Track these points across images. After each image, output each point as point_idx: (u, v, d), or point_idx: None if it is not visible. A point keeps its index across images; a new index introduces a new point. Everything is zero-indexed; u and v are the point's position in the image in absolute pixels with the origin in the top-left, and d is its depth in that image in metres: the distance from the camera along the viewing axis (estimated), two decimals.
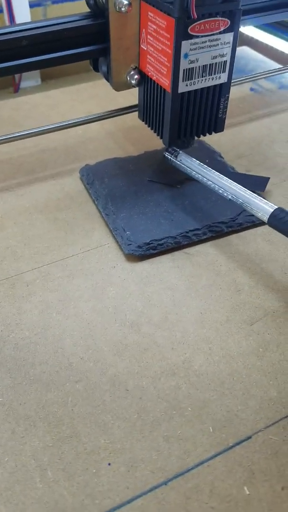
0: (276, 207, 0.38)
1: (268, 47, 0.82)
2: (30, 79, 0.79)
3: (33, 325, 0.38)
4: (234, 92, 0.44)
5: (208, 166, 0.52)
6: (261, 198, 0.40)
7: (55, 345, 0.36)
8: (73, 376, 0.34)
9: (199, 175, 0.44)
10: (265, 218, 0.38)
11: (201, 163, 0.44)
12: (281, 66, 0.65)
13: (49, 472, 0.30)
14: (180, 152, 0.46)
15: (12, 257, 0.43)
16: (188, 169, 0.45)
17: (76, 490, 0.29)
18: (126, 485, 0.29)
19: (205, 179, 0.43)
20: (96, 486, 0.29)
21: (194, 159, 0.45)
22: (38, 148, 0.57)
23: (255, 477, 0.29)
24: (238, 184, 0.49)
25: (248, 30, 0.85)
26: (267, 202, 0.39)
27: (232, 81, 0.44)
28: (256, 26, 0.85)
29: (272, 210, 0.38)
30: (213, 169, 0.51)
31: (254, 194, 0.40)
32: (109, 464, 0.30)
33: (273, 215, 0.38)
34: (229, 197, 0.41)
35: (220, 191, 0.42)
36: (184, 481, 0.29)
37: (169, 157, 0.46)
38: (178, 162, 0.46)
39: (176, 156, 0.46)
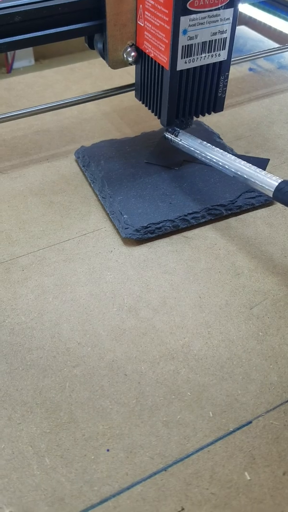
0: (281, 180, 0.37)
1: (266, 26, 0.80)
2: (23, 59, 0.77)
3: (29, 310, 0.37)
4: (233, 72, 0.43)
5: None
6: (265, 172, 0.39)
7: (52, 330, 0.35)
8: (70, 361, 0.34)
9: (201, 154, 0.43)
10: (270, 193, 0.37)
11: (202, 141, 0.43)
12: (280, 46, 0.64)
13: (47, 459, 0.29)
14: (180, 131, 0.45)
15: (7, 241, 0.42)
16: (190, 147, 0.44)
17: (75, 476, 0.28)
18: (125, 471, 0.29)
19: (208, 157, 0.42)
20: (94, 473, 0.29)
21: (195, 137, 0.44)
22: (32, 129, 0.55)
23: (256, 462, 0.29)
24: None
25: (246, 9, 0.83)
26: (272, 175, 0.38)
27: (231, 60, 0.43)
28: (254, 5, 0.83)
29: (277, 184, 0.37)
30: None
31: (258, 168, 0.39)
32: (108, 450, 0.30)
33: (278, 189, 0.37)
34: (233, 174, 0.40)
35: (224, 168, 0.41)
36: (184, 467, 0.29)
37: (169, 137, 0.45)
38: (179, 141, 0.44)
39: (176, 135, 0.45)
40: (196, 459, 0.29)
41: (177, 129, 0.45)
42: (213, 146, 0.43)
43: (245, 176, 0.39)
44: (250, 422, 0.31)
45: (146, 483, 0.28)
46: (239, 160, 0.40)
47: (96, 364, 0.34)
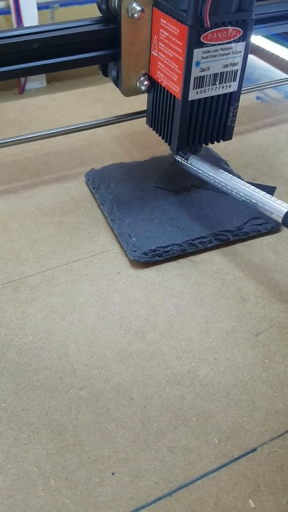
0: None
1: (274, 56, 0.82)
2: (36, 81, 0.79)
3: (36, 330, 0.37)
4: (241, 100, 0.44)
5: None
6: (274, 198, 0.39)
7: (59, 351, 0.36)
8: (77, 383, 0.34)
9: (210, 177, 0.43)
10: (279, 218, 0.38)
11: (212, 165, 0.44)
12: None
13: (52, 481, 0.29)
14: (191, 155, 0.46)
15: (16, 260, 0.43)
16: (199, 171, 0.45)
17: (79, 499, 0.28)
18: (130, 495, 0.29)
19: (217, 180, 0.43)
20: (99, 496, 0.29)
21: (205, 161, 0.45)
22: (44, 151, 0.57)
23: (260, 490, 0.29)
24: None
25: (254, 38, 0.85)
26: (281, 201, 0.39)
27: None
28: (263, 35, 0.85)
29: (286, 210, 0.38)
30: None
31: (267, 194, 0.40)
32: (113, 473, 0.30)
33: (287, 215, 0.38)
34: (242, 198, 0.41)
35: (233, 192, 0.42)
36: (189, 493, 0.29)
37: (180, 160, 0.46)
38: (189, 165, 0.45)
39: (186, 159, 0.45)
40: (201, 485, 0.29)
41: (187, 152, 0.46)
42: (223, 171, 0.44)
43: (254, 201, 0.40)
44: (255, 450, 0.31)
45: (150, 507, 0.28)
46: (248, 185, 0.41)
47: (103, 387, 0.34)
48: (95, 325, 0.38)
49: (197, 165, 0.45)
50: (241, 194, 0.41)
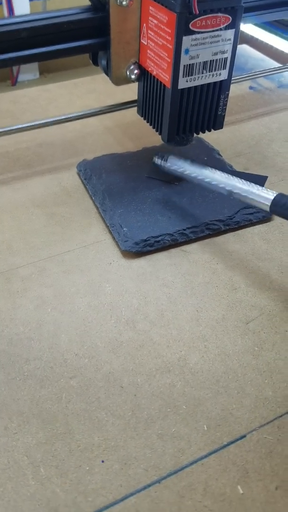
0: (276, 193, 0.38)
1: (267, 46, 0.82)
2: (28, 72, 0.78)
3: (27, 321, 0.37)
4: (233, 90, 0.44)
5: (206, 163, 0.51)
6: (260, 187, 0.39)
7: (50, 341, 0.36)
8: (67, 372, 0.34)
9: (193, 174, 0.42)
10: (267, 207, 0.38)
11: (193, 161, 0.43)
12: (281, 65, 0.65)
13: (42, 469, 0.29)
14: (169, 155, 0.44)
15: (8, 251, 0.43)
16: (180, 169, 0.43)
17: (69, 487, 0.29)
18: (120, 483, 0.29)
19: (199, 177, 0.42)
20: (89, 484, 0.29)
21: (184, 159, 0.43)
22: (35, 142, 0.56)
23: (249, 476, 0.29)
24: None
25: (248, 28, 0.84)
26: (267, 190, 0.38)
27: (232, 78, 0.44)
28: (256, 25, 0.85)
29: (272, 197, 0.37)
30: (211, 166, 0.50)
31: (252, 184, 0.39)
32: (103, 461, 0.30)
33: (274, 203, 0.37)
34: (227, 191, 0.40)
35: (218, 187, 0.41)
36: (178, 480, 0.29)
37: (159, 163, 0.45)
38: (169, 165, 0.44)
39: (166, 160, 0.44)
40: (190, 472, 0.29)
41: (164, 153, 0.44)
42: (204, 165, 0.42)
43: (240, 192, 0.40)
44: (244, 436, 0.31)
45: (140, 495, 0.28)
46: (233, 177, 0.40)
47: (93, 376, 0.34)
48: (86, 315, 0.38)
49: (177, 164, 0.43)
50: (226, 188, 0.40)
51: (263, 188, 0.39)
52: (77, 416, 0.32)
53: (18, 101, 0.64)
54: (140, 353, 0.35)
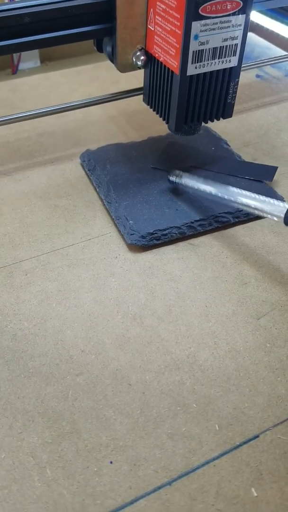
0: None
1: (273, 33, 0.80)
2: (29, 60, 0.76)
3: (32, 316, 0.36)
4: (240, 78, 0.42)
5: (214, 154, 0.50)
6: (272, 200, 0.38)
7: (55, 337, 0.35)
8: (73, 369, 0.33)
9: (207, 191, 0.42)
10: (281, 219, 0.37)
11: (206, 179, 0.43)
12: None
13: (48, 470, 0.28)
14: (183, 173, 0.44)
15: (10, 245, 0.42)
16: (195, 186, 0.43)
17: (76, 489, 0.28)
18: (129, 484, 0.28)
19: (213, 193, 0.42)
20: (97, 486, 0.28)
21: (197, 176, 0.44)
22: (37, 131, 0.55)
23: (263, 478, 0.28)
24: (246, 173, 0.47)
25: (254, 16, 0.82)
26: (279, 202, 0.38)
27: None
28: (261, 12, 0.83)
29: (285, 210, 0.37)
30: (219, 157, 0.49)
31: (264, 197, 0.39)
32: (111, 462, 0.29)
33: None
34: (240, 206, 0.40)
35: (231, 201, 0.41)
36: (189, 482, 0.28)
37: (174, 180, 0.45)
38: (183, 182, 0.44)
39: (180, 178, 0.44)
40: (202, 474, 0.28)
41: (179, 171, 0.45)
42: (216, 182, 0.42)
43: (252, 207, 0.39)
44: (257, 436, 0.30)
45: (150, 497, 0.27)
46: (244, 192, 0.40)
47: (100, 373, 0.33)
48: (92, 310, 0.37)
49: (190, 183, 0.44)
50: (239, 203, 0.40)
51: (275, 200, 0.38)
52: (84, 415, 0.31)
53: (18, 90, 0.62)
54: (148, 349, 0.34)
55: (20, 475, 0.28)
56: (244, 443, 0.30)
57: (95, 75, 0.66)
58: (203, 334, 0.35)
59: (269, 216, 0.39)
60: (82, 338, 0.35)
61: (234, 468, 0.29)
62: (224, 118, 0.45)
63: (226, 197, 0.41)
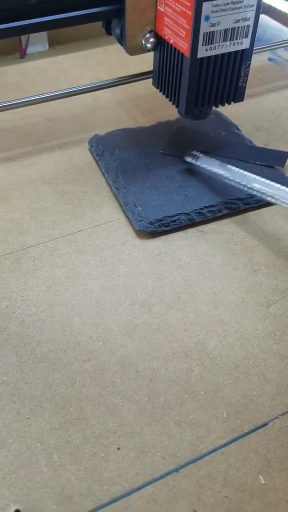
0: None
1: (286, 15, 0.78)
2: (37, 44, 0.76)
3: (39, 302, 0.36)
4: (252, 61, 0.41)
5: (224, 139, 0.49)
6: (284, 186, 0.38)
7: (63, 323, 0.35)
8: (81, 356, 0.33)
9: (224, 175, 0.42)
10: None
11: (222, 163, 0.43)
12: None
13: (56, 456, 0.28)
14: (200, 155, 0.44)
15: (18, 231, 0.41)
16: (211, 170, 0.43)
17: (84, 475, 0.28)
18: (136, 471, 0.28)
19: (231, 177, 0.41)
20: (104, 472, 0.28)
21: (215, 159, 0.43)
22: (45, 116, 0.54)
23: (271, 466, 0.28)
24: (257, 158, 0.47)
25: None
26: None
27: None
28: None
29: None
30: (230, 142, 0.48)
31: (282, 186, 0.39)
32: (118, 448, 0.29)
33: None
34: (256, 192, 0.40)
35: (247, 188, 0.40)
36: (197, 469, 0.28)
37: (190, 161, 0.45)
38: (199, 165, 0.44)
39: (196, 160, 0.44)
40: (209, 461, 0.28)
41: (196, 153, 0.44)
42: (233, 167, 0.42)
43: (269, 194, 0.39)
44: (266, 424, 0.30)
45: (157, 484, 0.27)
46: (259, 178, 0.40)
47: (108, 360, 0.33)
48: (100, 297, 0.36)
49: (207, 164, 0.43)
50: (255, 189, 0.40)
51: None
52: (92, 401, 0.31)
53: (27, 74, 0.62)
54: (156, 336, 0.34)
55: (27, 460, 0.28)
56: (253, 431, 0.29)
57: (104, 59, 0.65)
58: (211, 322, 0.35)
59: (281, 202, 0.38)
60: (90, 325, 0.35)
61: (242, 456, 0.28)
62: (235, 102, 0.44)
63: (240, 181, 0.41)
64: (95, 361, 0.33)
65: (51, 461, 0.28)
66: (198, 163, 0.44)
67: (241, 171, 0.41)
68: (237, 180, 0.41)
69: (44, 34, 0.75)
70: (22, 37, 0.72)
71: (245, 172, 0.41)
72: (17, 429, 0.29)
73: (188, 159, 0.45)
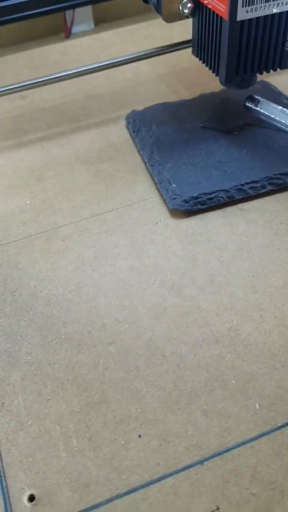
0: None
1: None
2: (83, 23, 0.74)
3: (67, 282, 0.35)
4: None
5: None
6: None
7: (89, 304, 0.33)
8: (106, 338, 0.31)
9: (282, 120, 0.39)
10: None
11: (284, 109, 0.39)
12: None
13: (74, 440, 0.27)
14: (261, 99, 0.41)
15: (50, 210, 0.41)
16: (271, 117, 0.40)
17: (102, 462, 0.26)
18: (157, 461, 0.26)
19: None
20: (123, 460, 0.26)
21: (277, 105, 0.40)
22: (83, 94, 0.53)
23: None
24: None
25: None
26: None
27: None
28: None
29: None
30: None
31: None
32: (140, 436, 0.27)
33: None
34: None
35: None
36: (223, 462, 0.26)
37: (250, 106, 0.42)
38: (259, 110, 0.41)
39: (256, 104, 0.41)
40: (237, 455, 0.26)
41: (257, 97, 0.42)
42: None
43: None
44: None
45: (179, 476, 0.26)
46: None
47: (133, 343, 0.31)
48: (128, 278, 0.35)
49: (267, 110, 0.40)
50: None
51: None
52: (114, 385, 0.29)
53: (68, 52, 0.61)
54: (186, 320, 0.32)
55: (45, 444, 0.27)
56: (287, 424, 0.27)
57: (148, 33, 0.62)
58: (247, 307, 0.32)
59: None
60: (116, 306, 0.33)
61: (274, 451, 0.26)
62: (281, 69, 0.40)
63: None
64: (120, 344, 0.31)
65: (69, 446, 0.27)
66: (257, 108, 0.42)
67: None
68: None
69: (89, 13, 0.74)
70: (67, 16, 0.71)
71: None
72: (37, 410, 0.29)
73: (248, 104, 0.42)
